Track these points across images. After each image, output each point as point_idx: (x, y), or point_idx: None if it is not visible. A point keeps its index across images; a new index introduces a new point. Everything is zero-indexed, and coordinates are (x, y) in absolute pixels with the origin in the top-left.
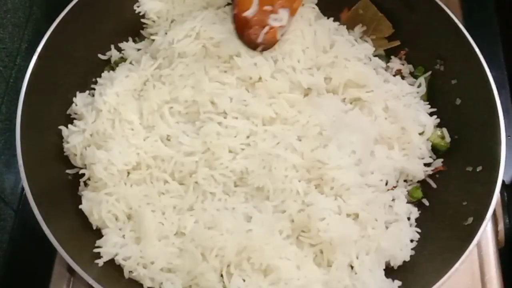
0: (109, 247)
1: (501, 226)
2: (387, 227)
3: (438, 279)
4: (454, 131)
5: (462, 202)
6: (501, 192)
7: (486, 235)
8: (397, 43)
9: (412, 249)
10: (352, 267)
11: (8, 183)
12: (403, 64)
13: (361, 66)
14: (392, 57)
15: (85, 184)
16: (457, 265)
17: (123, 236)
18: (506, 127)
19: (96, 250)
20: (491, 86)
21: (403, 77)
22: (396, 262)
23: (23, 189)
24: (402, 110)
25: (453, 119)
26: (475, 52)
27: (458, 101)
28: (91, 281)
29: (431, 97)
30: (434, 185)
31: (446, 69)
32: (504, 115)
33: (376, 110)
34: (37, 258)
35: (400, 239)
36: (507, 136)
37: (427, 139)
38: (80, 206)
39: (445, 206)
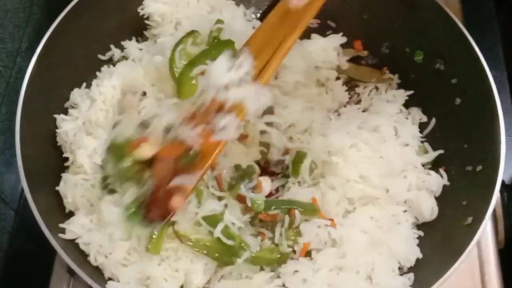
0: (75, 226)
1: (501, 226)
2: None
3: (437, 278)
4: (454, 130)
5: (462, 202)
6: (501, 192)
7: (486, 236)
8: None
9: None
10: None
11: (8, 183)
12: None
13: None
14: None
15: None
16: (456, 264)
17: (91, 220)
18: (506, 127)
19: (61, 225)
20: (491, 86)
21: None
22: (409, 263)
23: (23, 189)
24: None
25: (453, 118)
26: (475, 52)
27: (457, 101)
28: (90, 281)
29: (431, 96)
30: None
31: (446, 68)
32: (504, 115)
33: None
34: (37, 258)
35: (408, 239)
36: (507, 136)
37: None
38: (56, 188)
39: (445, 206)
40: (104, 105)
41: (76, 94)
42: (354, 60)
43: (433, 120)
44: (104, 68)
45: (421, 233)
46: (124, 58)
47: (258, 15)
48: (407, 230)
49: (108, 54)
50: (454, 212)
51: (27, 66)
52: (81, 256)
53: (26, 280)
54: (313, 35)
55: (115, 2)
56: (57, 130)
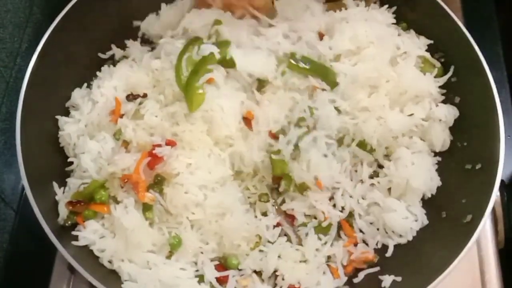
0: (88, 232)
1: (501, 226)
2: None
3: (437, 275)
4: (453, 129)
5: (461, 200)
6: (501, 192)
7: (486, 235)
8: None
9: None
10: None
11: (8, 183)
12: None
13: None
14: None
15: None
16: (456, 262)
17: (103, 224)
18: (505, 127)
19: (74, 233)
20: (491, 85)
21: None
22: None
23: (23, 189)
24: None
25: None
26: (475, 51)
27: (457, 99)
28: (90, 278)
29: None
30: None
31: (446, 67)
32: (504, 115)
33: None
34: (37, 257)
35: (427, 170)
36: (506, 136)
37: None
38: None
39: (444, 204)
40: (106, 106)
41: (77, 95)
42: None
43: None
44: (104, 68)
45: (439, 158)
46: (125, 57)
47: None
48: (429, 158)
49: (109, 53)
50: (453, 210)
51: (27, 66)
52: (87, 256)
53: (26, 280)
54: None
55: (113, 1)
56: (59, 132)
